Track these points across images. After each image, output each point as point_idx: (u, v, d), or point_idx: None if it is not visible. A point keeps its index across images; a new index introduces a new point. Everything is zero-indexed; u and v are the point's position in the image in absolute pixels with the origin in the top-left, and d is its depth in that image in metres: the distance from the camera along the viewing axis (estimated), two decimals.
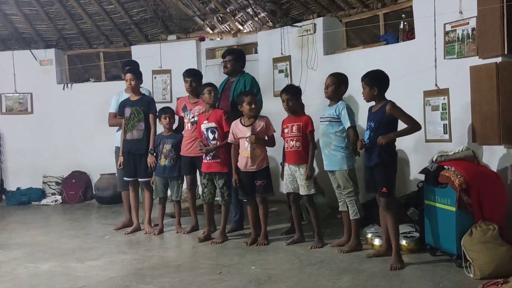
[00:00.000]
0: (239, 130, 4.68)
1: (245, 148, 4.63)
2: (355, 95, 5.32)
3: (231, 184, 4.84)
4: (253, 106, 4.61)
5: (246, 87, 5.07)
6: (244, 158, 4.64)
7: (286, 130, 4.60)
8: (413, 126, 3.91)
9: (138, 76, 5.42)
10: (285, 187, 4.65)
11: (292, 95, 4.55)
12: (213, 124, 4.85)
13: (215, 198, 4.99)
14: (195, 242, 4.85)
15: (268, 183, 4.66)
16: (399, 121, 3.95)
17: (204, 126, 4.90)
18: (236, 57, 5.25)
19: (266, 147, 4.72)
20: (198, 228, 5.29)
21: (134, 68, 5.60)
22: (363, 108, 4.19)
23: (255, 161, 4.60)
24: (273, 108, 5.70)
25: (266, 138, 4.71)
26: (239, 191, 4.80)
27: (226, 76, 5.36)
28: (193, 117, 5.16)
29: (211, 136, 4.85)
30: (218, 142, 4.84)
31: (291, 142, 4.52)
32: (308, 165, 4.44)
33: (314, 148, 4.48)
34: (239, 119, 4.74)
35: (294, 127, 4.52)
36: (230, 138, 4.74)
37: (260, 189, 4.63)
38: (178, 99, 5.77)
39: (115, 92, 5.91)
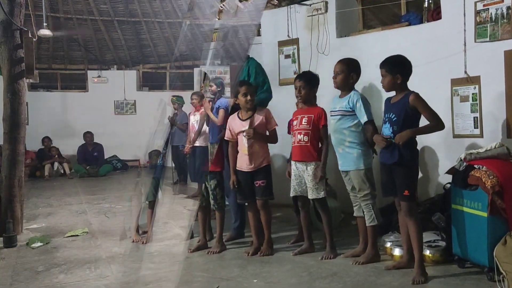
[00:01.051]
0: (236, 124, 4.72)
1: (243, 145, 4.67)
2: (374, 83, 5.36)
3: (224, 185, 4.88)
4: (248, 97, 4.63)
5: (250, 75, 5.09)
6: (243, 156, 4.68)
7: (294, 122, 4.62)
8: (436, 124, 3.87)
9: None
10: (292, 189, 4.67)
11: (306, 83, 4.55)
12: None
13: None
14: (189, 252, 4.89)
15: (268, 184, 4.68)
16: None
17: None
18: None
19: (268, 143, 4.76)
20: (193, 236, 5.33)
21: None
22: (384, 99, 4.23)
23: (254, 159, 4.64)
24: (279, 99, 5.73)
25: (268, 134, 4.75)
26: (237, 194, 4.85)
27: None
28: None
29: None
30: None
31: (298, 135, 4.54)
32: (321, 164, 4.44)
33: (327, 146, 4.48)
34: (236, 113, 4.78)
35: (304, 119, 4.54)
36: (227, 135, 4.77)
37: (260, 190, 4.65)
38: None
39: None
